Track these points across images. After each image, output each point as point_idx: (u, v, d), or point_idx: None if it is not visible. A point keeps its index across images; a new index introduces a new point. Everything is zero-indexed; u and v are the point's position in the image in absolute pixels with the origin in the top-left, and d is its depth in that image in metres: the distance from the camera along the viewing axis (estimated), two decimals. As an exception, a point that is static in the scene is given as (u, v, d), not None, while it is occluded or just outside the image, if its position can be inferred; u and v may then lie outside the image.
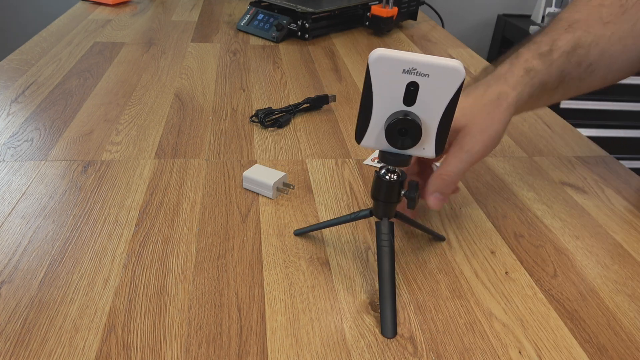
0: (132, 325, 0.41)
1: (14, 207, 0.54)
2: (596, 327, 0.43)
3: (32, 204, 0.55)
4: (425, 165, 0.54)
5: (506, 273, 0.49)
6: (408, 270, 0.49)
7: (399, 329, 0.42)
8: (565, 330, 0.43)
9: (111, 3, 1.31)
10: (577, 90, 0.55)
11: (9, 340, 0.39)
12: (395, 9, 1.16)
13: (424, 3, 1.30)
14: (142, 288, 0.45)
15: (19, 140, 0.67)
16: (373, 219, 0.54)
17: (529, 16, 2.41)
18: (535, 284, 0.48)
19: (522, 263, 0.50)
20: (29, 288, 0.44)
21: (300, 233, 0.52)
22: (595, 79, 0.54)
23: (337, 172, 0.63)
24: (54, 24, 1.15)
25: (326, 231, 0.53)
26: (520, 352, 0.41)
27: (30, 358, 0.38)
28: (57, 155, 0.64)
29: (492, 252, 0.51)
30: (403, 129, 0.39)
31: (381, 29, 1.18)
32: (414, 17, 1.29)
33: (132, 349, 0.39)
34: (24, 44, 1.01)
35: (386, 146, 0.41)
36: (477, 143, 0.47)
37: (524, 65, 0.50)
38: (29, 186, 0.58)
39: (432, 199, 0.48)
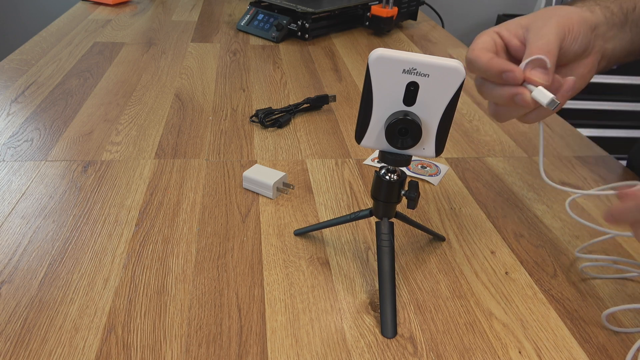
0: (132, 325, 0.41)
1: (14, 207, 0.54)
2: (596, 327, 0.43)
3: (32, 204, 0.55)
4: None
5: (506, 273, 0.49)
6: (408, 270, 0.49)
7: (399, 329, 0.42)
8: (565, 330, 0.43)
9: (111, 3, 1.31)
10: None
11: (9, 340, 0.39)
12: (395, 9, 1.16)
13: (424, 3, 1.30)
14: (142, 288, 0.45)
15: (19, 140, 0.67)
16: (373, 219, 0.54)
17: (529, 16, 2.41)
18: (535, 284, 0.48)
19: (522, 263, 0.50)
20: (29, 288, 0.44)
21: (300, 233, 0.52)
22: None
23: (337, 172, 0.63)
24: (54, 24, 1.15)
25: (326, 231, 0.53)
26: (520, 352, 0.41)
27: (30, 358, 0.38)
28: (57, 155, 0.64)
29: (492, 252, 0.51)
30: (403, 129, 0.39)
31: (381, 29, 1.18)
32: (414, 17, 1.29)
33: (132, 349, 0.39)
34: (24, 44, 1.01)
35: (386, 146, 0.41)
36: (550, 19, 0.43)
37: (579, 1, 0.49)
38: (29, 186, 0.58)
39: (533, 72, 0.40)
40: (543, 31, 0.43)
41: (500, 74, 0.40)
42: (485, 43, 0.43)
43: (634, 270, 0.49)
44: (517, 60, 0.44)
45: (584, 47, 0.46)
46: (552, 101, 0.39)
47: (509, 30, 0.45)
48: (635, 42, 0.51)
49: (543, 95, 0.39)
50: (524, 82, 0.41)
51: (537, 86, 0.39)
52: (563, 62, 0.46)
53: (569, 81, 0.42)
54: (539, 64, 0.40)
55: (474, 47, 0.43)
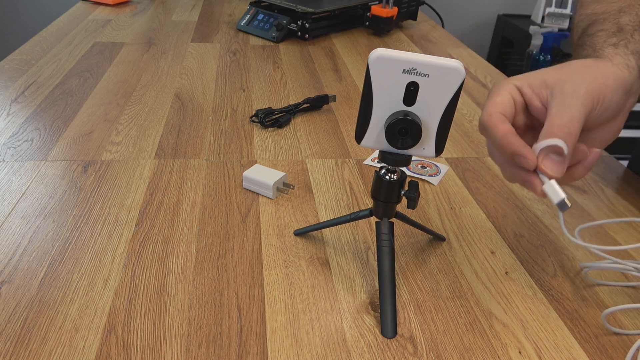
0: (132, 325, 0.41)
1: (14, 207, 0.54)
2: (596, 327, 0.43)
3: (32, 204, 0.55)
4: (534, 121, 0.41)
5: (506, 273, 0.49)
6: (408, 270, 0.49)
7: (399, 329, 0.42)
8: (565, 330, 0.43)
9: (111, 3, 1.31)
10: None
11: (9, 340, 0.39)
12: (395, 9, 1.16)
13: (424, 3, 1.30)
14: (142, 288, 0.45)
15: (19, 140, 0.67)
16: (373, 219, 0.54)
17: (528, 16, 2.42)
18: (535, 284, 0.48)
19: (522, 263, 0.50)
20: (29, 288, 0.44)
21: (300, 233, 0.52)
22: None
23: (337, 172, 0.63)
24: (54, 24, 1.15)
25: (326, 231, 0.53)
26: (520, 352, 0.41)
27: (30, 358, 0.38)
28: (57, 155, 0.64)
29: (492, 252, 0.51)
30: (403, 129, 0.39)
31: (381, 29, 1.18)
32: (414, 17, 1.29)
33: (132, 349, 0.39)
34: (24, 44, 1.01)
35: (386, 146, 0.41)
36: (580, 86, 0.37)
37: (611, 45, 0.43)
38: (29, 186, 0.58)
39: (547, 162, 0.36)
40: (568, 102, 0.37)
41: (513, 156, 0.37)
42: (504, 105, 0.38)
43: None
44: (537, 122, 0.40)
45: (615, 114, 0.40)
46: (562, 202, 0.35)
47: (532, 87, 0.40)
48: None
49: (554, 193, 0.35)
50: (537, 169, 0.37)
51: (549, 179, 0.36)
52: (589, 128, 0.40)
53: (595, 154, 0.38)
54: (555, 150, 0.36)
55: (490, 110, 0.38)
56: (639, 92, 0.42)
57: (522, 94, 0.40)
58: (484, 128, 0.38)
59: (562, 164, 0.36)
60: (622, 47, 0.42)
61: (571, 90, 0.37)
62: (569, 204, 0.35)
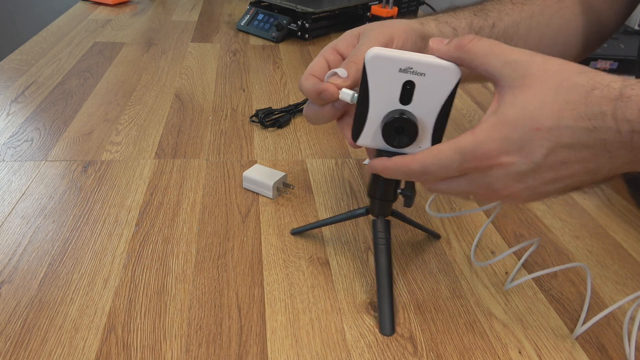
0: (132, 325, 0.41)
1: (14, 207, 0.54)
2: (596, 327, 0.43)
3: (32, 204, 0.55)
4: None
5: (506, 273, 0.49)
6: (408, 270, 0.49)
7: (399, 329, 0.42)
8: (565, 330, 0.43)
9: (111, 3, 1.31)
10: None
11: (9, 340, 0.39)
12: (395, 9, 1.16)
13: (424, 3, 1.30)
14: (142, 288, 0.45)
15: (19, 140, 0.67)
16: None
17: (529, 16, 2.41)
18: (535, 284, 0.48)
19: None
20: (29, 288, 0.44)
21: (297, 232, 0.52)
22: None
23: (337, 172, 0.63)
24: (54, 24, 1.15)
25: (326, 231, 0.53)
26: (520, 352, 0.41)
27: (30, 358, 0.38)
28: (57, 155, 0.64)
29: (492, 252, 0.51)
30: (399, 128, 0.39)
31: (381, 29, 1.18)
32: (414, 17, 1.29)
33: (132, 349, 0.39)
34: (24, 44, 1.01)
35: (382, 145, 0.41)
36: (374, 32, 0.46)
37: (429, 16, 0.53)
38: (29, 186, 0.58)
39: (332, 79, 0.43)
40: (363, 41, 0.46)
41: (319, 94, 0.43)
42: (314, 68, 0.45)
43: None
44: None
45: (416, 51, 0.48)
46: (352, 97, 0.42)
47: (345, 41, 0.48)
48: None
49: (346, 95, 0.42)
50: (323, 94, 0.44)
51: (339, 89, 0.42)
52: None
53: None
54: (336, 73, 0.43)
55: (305, 74, 0.45)
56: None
57: (338, 52, 0.47)
58: (301, 89, 0.45)
59: (344, 80, 0.42)
60: (432, 16, 0.52)
61: (370, 33, 0.46)
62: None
